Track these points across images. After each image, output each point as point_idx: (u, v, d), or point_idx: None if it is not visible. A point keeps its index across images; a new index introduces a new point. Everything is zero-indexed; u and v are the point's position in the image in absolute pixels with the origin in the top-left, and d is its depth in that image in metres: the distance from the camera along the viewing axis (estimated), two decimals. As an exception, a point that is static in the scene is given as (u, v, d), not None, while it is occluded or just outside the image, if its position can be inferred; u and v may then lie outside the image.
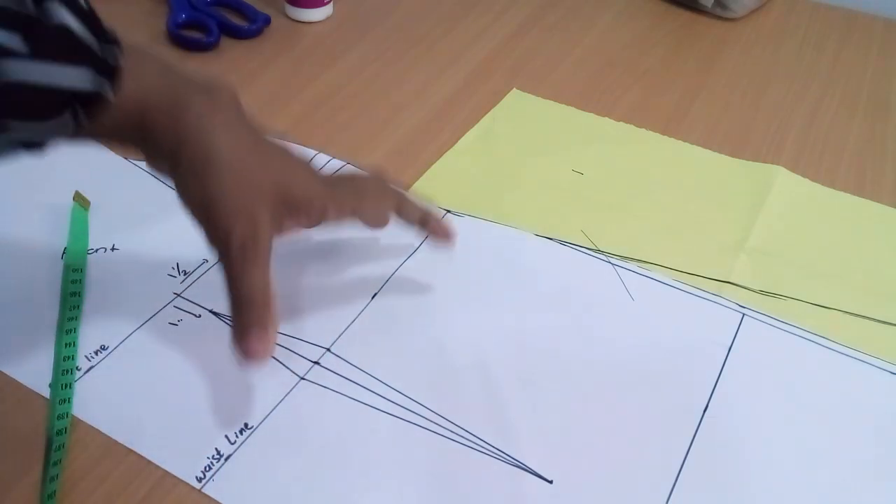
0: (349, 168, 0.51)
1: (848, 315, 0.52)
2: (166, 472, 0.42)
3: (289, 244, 0.54)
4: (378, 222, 0.48)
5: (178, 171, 0.40)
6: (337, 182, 0.47)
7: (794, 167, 0.64)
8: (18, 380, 0.46)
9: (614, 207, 0.59)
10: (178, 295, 0.51)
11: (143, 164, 0.60)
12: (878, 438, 0.46)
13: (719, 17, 0.82)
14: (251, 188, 0.40)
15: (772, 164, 0.64)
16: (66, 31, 0.35)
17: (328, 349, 0.48)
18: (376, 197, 0.48)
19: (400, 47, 0.76)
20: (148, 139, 0.40)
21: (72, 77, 0.35)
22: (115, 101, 0.37)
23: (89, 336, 0.48)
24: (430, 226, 0.49)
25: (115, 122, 0.38)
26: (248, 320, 0.40)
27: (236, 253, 0.40)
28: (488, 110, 0.68)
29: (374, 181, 0.49)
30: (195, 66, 0.71)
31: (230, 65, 0.72)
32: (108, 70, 0.37)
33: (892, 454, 0.45)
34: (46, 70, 0.34)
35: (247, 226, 0.40)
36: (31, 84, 0.34)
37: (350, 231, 0.56)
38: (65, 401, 0.44)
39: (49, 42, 0.34)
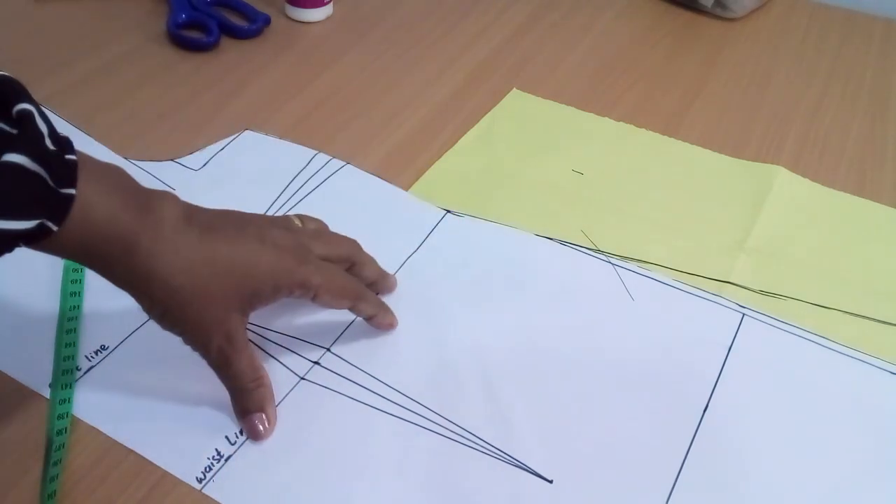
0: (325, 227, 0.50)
1: (848, 315, 0.52)
2: (166, 473, 0.42)
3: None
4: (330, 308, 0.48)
5: (140, 302, 0.42)
6: (306, 249, 0.46)
7: (794, 167, 0.64)
8: (18, 380, 0.46)
9: (614, 207, 0.59)
10: (179, 295, 0.51)
11: (143, 163, 0.60)
12: (878, 438, 0.46)
13: (719, 17, 0.83)
14: (216, 305, 0.42)
15: (772, 164, 0.64)
16: (16, 169, 0.34)
17: (328, 349, 0.48)
18: (337, 284, 0.46)
19: (400, 47, 0.76)
20: (98, 268, 0.40)
21: (18, 224, 0.35)
22: (60, 231, 0.36)
23: (89, 336, 0.48)
24: (376, 321, 0.49)
25: (60, 247, 0.38)
26: (245, 407, 0.44)
27: (216, 357, 0.43)
28: (488, 110, 0.68)
29: (337, 269, 0.47)
30: (195, 65, 0.71)
31: (230, 65, 0.72)
32: (56, 204, 0.36)
33: (892, 454, 0.45)
34: None
35: (221, 335, 0.42)
36: None
37: (349, 231, 0.56)
38: (65, 401, 0.44)
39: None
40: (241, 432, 0.44)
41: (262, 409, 0.44)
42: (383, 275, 0.51)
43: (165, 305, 0.41)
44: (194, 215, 0.43)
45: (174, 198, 0.42)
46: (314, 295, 0.45)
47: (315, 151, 0.62)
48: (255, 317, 0.49)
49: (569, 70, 0.74)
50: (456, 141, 0.65)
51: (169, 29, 0.74)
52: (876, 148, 0.67)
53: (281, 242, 0.44)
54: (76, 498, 0.41)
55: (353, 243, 0.50)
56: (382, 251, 0.54)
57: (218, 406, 0.45)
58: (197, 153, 0.62)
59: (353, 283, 0.48)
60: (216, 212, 0.44)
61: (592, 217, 0.58)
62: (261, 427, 0.44)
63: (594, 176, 0.62)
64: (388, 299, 0.51)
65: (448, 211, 0.58)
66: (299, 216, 0.50)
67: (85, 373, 0.46)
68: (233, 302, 0.42)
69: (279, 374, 0.47)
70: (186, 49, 0.74)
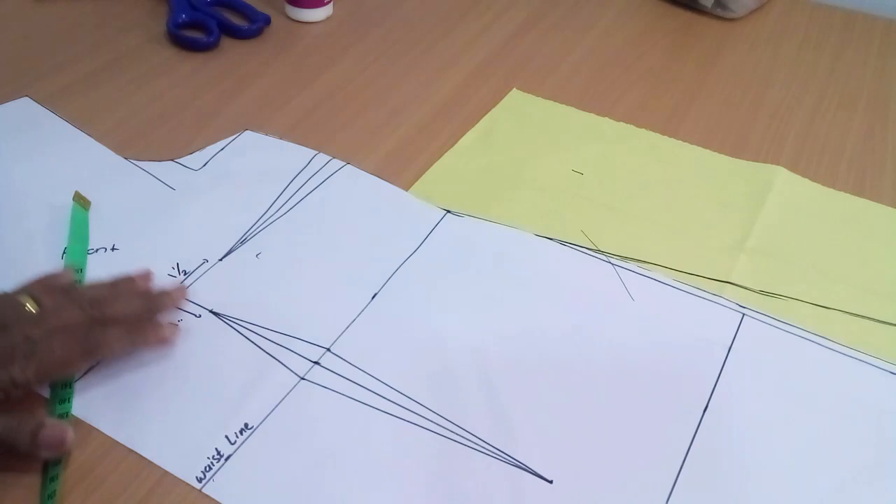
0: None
1: (848, 315, 0.52)
2: (166, 472, 0.42)
3: (287, 242, 0.54)
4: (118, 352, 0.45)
5: None
6: (14, 340, 0.42)
7: (794, 167, 0.64)
8: (18, 380, 0.46)
9: (614, 207, 0.59)
10: (179, 295, 0.51)
11: (143, 163, 0.60)
12: (878, 438, 0.46)
13: (719, 17, 0.83)
14: None
15: (772, 164, 0.64)
16: None
17: (328, 349, 0.48)
18: (57, 356, 0.43)
19: (400, 47, 0.76)
20: None
21: None
22: None
23: (89, 336, 0.48)
24: (149, 340, 0.46)
25: None
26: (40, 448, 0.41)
27: None
28: (488, 110, 0.68)
29: (60, 336, 0.43)
30: (195, 66, 0.71)
31: (230, 65, 0.72)
32: None
33: (891, 454, 0.45)
34: None
35: None
36: None
37: (349, 231, 0.56)
38: (65, 401, 0.44)
39: None
40: (241, 432, 0.44)
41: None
42: (156, 294, 0.48)
43: None
44: None
45: None
46: (35, 382, 0.42)
47: (315, 151, 0.62)
48: (254, 316, 0.49)
49: (569, 70, 0.74)
50: (456, 141, 0.65)
51: (169, 29, 0.74)
52: (876, 148, 0.67)
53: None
54: (76, 498, 0.41)
55: (97, 288, 0.47)
56: (382, 251, 0.55)
57: (218, 405, 0.45)
58: (197, 153, 0.62)
59: (81, 340, 0.44)
60: None
61: (592, 217, 0.58)
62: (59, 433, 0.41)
63: (594, 176, 0.62)
64: (386, 300, 0.51)
65: (448, 211, 0.58)
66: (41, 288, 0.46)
67: (84, 373, 0.46)
68: None
69: (279, 374, 0.47)
70: (186, 49, 0.74)
